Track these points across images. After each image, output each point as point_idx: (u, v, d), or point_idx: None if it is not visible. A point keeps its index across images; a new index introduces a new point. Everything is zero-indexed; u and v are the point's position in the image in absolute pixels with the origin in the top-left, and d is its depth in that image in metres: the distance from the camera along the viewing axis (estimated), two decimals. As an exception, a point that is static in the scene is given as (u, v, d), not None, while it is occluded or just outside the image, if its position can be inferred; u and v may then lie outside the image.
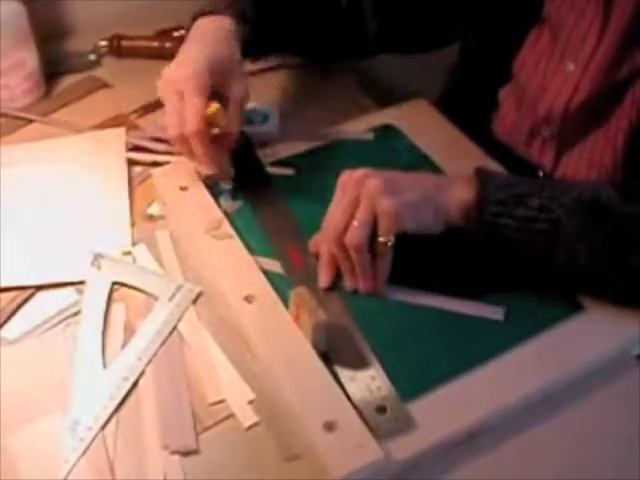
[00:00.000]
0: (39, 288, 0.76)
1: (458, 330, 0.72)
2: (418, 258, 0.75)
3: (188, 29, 0.86)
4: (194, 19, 0.85)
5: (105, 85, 1.03)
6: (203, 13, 0.85)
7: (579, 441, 0.67)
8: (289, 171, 0.87)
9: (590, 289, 0.74)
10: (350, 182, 0.73)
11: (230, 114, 0.79)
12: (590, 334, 0.71)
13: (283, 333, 0.68)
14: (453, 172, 0.87)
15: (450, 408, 0.65)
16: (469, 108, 0.96)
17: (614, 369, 0.71)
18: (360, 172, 0.73)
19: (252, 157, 0.89)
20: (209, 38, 0.82)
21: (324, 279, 0.75)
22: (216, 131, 0.77)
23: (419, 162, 0.89)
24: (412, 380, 0.67)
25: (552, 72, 0.85)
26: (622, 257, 0.70)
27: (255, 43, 0.87)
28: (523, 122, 0.91)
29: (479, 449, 0.65)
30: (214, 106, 0.77)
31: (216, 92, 0.79)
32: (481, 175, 0.73)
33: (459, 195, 0.72)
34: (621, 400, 0.70)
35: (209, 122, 0.76)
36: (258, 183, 0.86)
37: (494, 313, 0.73)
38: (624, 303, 0.73)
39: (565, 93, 0.84)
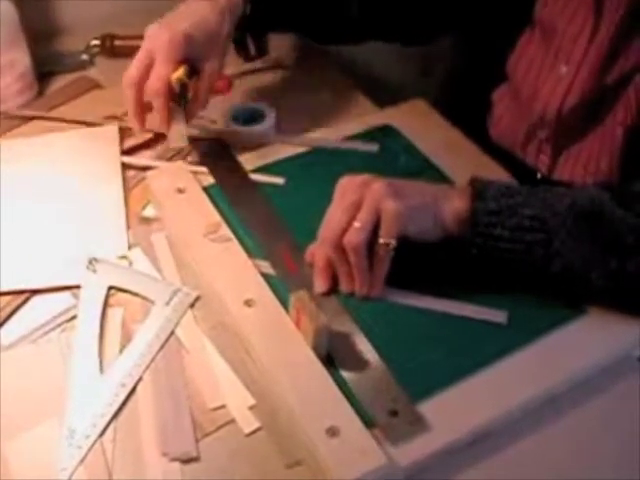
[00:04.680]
0: (34, 292, 0.74)
1: (461, 333, 0.71)
2: (420, 262, 0.74)
3: None
4: None
5: (98, 85, 1.01)
6: None
7: (583, 443, 0.67)
8: (279, 180, 0.85)
9: (589, 296, 0.73)
10: (352, 186, 0.72)
11: (198, 87, 0.82)
12: (592, 337, 0.71)
13: (284, 337, 0.67)
14: (452, 172, 0.87)
15: (456, 411, 0.65)
16: (464, 111, 0.96)
17: (616, 371, 0.71)
18: (362, 177, 0.72)
19: (230, 163, 0.88)
20: (202, 8, 0.83)
21: (320, 284, 0.73)
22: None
23: (418, 162, 0.89)
24: (417, 384, 0.66)
25: (545, 74, 0.86)
26: (618, 263, 0.69)
27: (253, 19, 0.89)
28: (518, 125, 0.91)
29: (482, 453, 0.65)
30: (178, 73, 0.80)
31: (191, 62, 0.81)
32: (475, 185, 0.73)
33: (455, 205, 0.72)
34: (624, 402, 0.69)
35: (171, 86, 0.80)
36: (240, 189, 0.84)
37: (497, 317, 0.72)
38: (625, 308, 0.72)
39: (558, 95, 0.84)
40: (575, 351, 0.70)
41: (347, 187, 0.72)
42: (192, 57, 0.81)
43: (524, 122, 0.90)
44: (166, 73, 0.79)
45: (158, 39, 0.80)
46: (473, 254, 0.71)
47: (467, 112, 0.96)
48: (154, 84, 0.79)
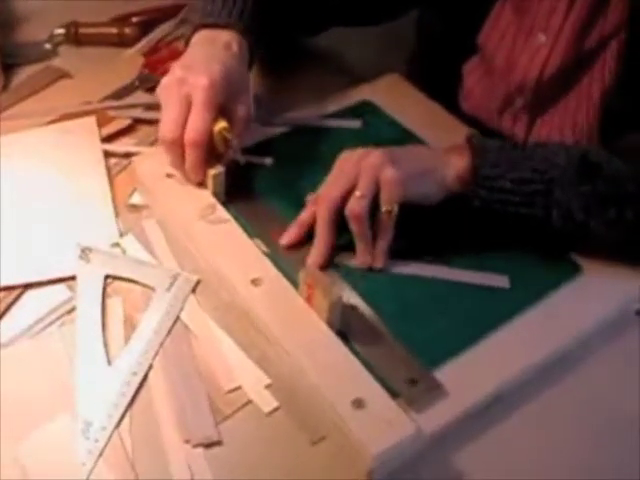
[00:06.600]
0: (27, 287, 0.71)
1: (465, 300, 0.72)
2: (418, 232, 0.74)
3: (188, 41, 0.82)
4: (194, 30, 0.81)
5: (65, 75, 0.98)
6: (204, 25, 0.81)
7: (593, 399, 0.68)
8: (267, 160, 0.84)
9: (589, 247, 0.75)
10: (351, 159, 0.72)
11: (232, 135, 0.75)
12: (591, 294, 0.73)
13: (296, 314, 0.66)
14: (436, 144, 0.86)
15: (470, 376, 0.65)
16: (435, 85, 0.96)
17: (616, 326, 0.72)
18: (360, 150, 0.73)
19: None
20: (219, 53, 0.78)
21: (289, 236, 0.74)
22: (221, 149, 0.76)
23: (401, 136, 0.89)
24: (427, 353, 0.66)
25: (521, 45, 0.86)
26: (617, 212, 0.71)
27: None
28: (492, 96, 0.92)
29: (495, 417, 0.65)
30: (222, 124, 0.74)
31: (223, 108, 0.76)
32: (473, 142, 0.74)
33: (455, 163, 0.73)
34: (626, 354, 0.71)
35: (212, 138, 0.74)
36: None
37: (500, 281, 0.73)
38: (625, 259, 0.74)
39: (537, 64, 0.84)
40: (577, 310, 0.71)
41: (347, 160, 0.73)
42: (227, 102, 0.76)
43: (498, 93, 0.90)
44: (207, 122, 0.73)
45: (194, 85, 0.73)
46: (475, 206, 0.72)
47: (438, 86, 0.96)
48: (195, 135, 0.73)
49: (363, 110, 0.92)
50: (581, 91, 0.84)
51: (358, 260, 0.73)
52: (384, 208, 0.70)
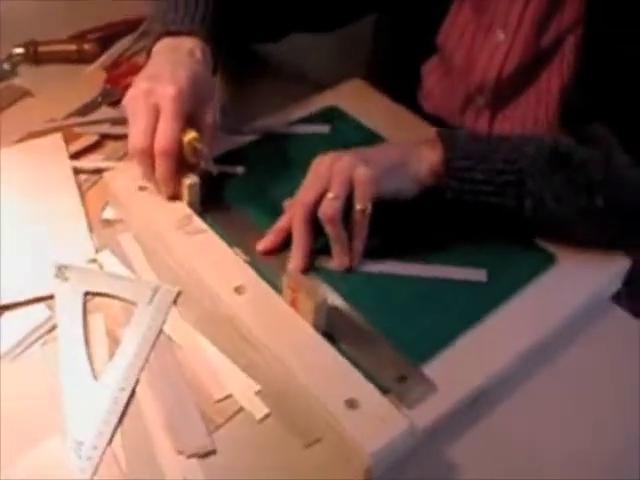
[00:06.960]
0: (4, 309, 0.70)
1: (445, 296, 0.72)
2: (394, 230, 0.75)
3: (149, 51, 0.81)
4: (156, 39, 0.81)
5: (27, 93, 0.97)
6: (167, 33, 0.81)
7: (578, 386, 0.69)
8: (239, 169, 0.84)
9: (562, 236, 0.76)
10: (324, 164, 0.73)
11: (202, 144, 0.75)
12: (567, 284, 0.74)
13: (282, 319, 0.66)
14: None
15: (458, 370, 0.65)
16: (396, 85, 0.97)
17: (591, 312, 0.74)
18: (333, 154, 0.74)
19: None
20: (184, 60, 0.78)
21: (265, 243, 0.74)
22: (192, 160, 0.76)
23: (368, 139, 0.89)
24: (414, 348, 0.66)
25: (480, 44, 0.87)
26: (587, 199, 0.72)
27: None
28: (452, 95, 0.93)
29: (483, 409, 0.66)
30: (192, 134, 0.74)
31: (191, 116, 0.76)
32: (444, 134, 0.75)
33: (427, 157, 0.74)
34: (603, 338, 0.73)
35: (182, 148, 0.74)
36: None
37: (478, 275, 0.74)
38: (596, 246, 0.76)
39: (497, 62, 0.86)
40: (555, 299, 0.72)
41: (321, 164, 0.73)
42: (194, 110, 0.76)
43: (458, 93, 0.92)
44: (176, 130, 0.73)
45: (162, 94, 0.73)
46: (448, 198, 0.73)
47: (399, 87, 0.97)
48: (165, 144, 0.72)
49: (330, 115, 0.93)
50: (540, 87, 0.85)
51: (335, 262, 0.73)
52: (358, 207, 0.71)
